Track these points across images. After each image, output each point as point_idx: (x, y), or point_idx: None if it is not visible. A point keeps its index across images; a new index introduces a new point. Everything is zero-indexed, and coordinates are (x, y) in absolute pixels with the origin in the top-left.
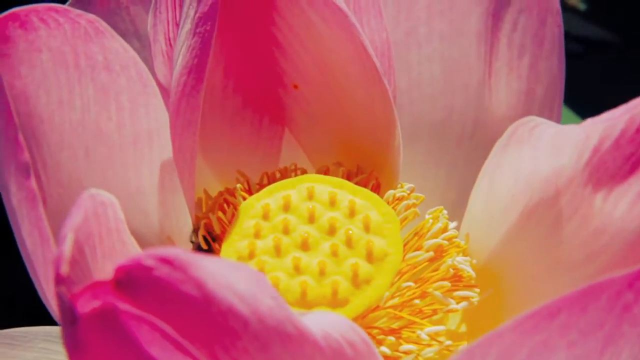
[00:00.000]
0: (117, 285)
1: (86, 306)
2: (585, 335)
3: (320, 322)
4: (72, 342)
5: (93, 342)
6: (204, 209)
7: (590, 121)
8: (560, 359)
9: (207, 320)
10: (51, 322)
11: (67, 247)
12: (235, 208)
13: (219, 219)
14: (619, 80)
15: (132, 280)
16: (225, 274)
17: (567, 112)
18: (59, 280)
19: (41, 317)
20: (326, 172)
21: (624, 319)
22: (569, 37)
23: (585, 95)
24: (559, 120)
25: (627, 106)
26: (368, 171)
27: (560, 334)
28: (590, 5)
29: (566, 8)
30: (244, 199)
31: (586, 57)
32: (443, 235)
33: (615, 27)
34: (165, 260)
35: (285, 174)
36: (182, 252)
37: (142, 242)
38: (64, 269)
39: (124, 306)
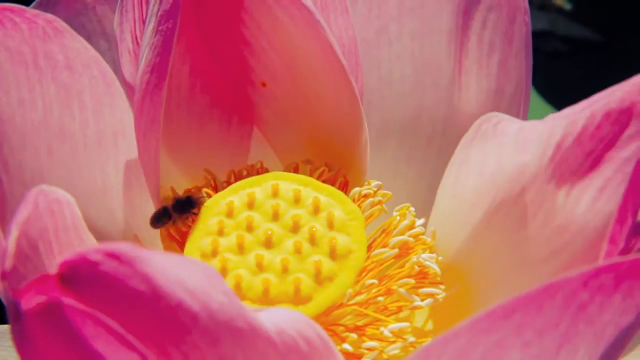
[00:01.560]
0: (62, 280)
1: (31, 301)
2: (541, 334)
3: (274, 318)
4: (19, 338)
5: (39, 337)
6: None
7: (552, 117)
8: (515, 358)
9: (156, 315)
10: None
11: (11, 243)
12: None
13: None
14: (604, 79)
15: (77, 275)
16: (174, 269)
17: (551, 111)
18: (3, 275)
19: None
20: (295, 169)
21: (579, 318)
22: (555, 37)
23: (570, 94)
24: (525, 117)
25: (588, 101)
26: (336, 169)
27: (516, 334)
28: (576, 6)
29: (552, 8)
30: (210, 196)
31: (572, 57)
32: (409, 233)
33: (601, 27)
34: (112, 255)
35: (252, 172)
36: (130, 246)
37: (109, 241)
38: (8, 264)
39: (68, 301)
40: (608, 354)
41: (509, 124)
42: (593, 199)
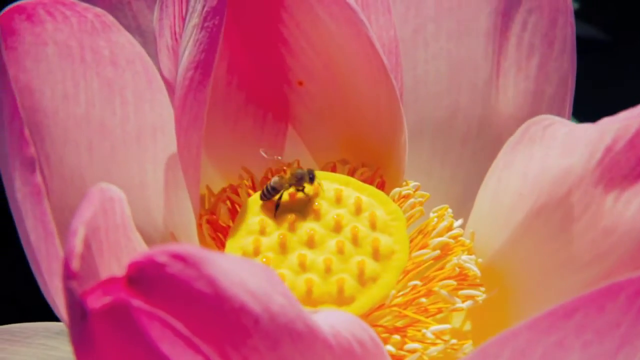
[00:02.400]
0: (130, 282)
1: (97, 302)
2: (601, 335)
3: (330, 320)
4: (79, 338)
5: (102, 338)
6: (206, 206)
7: (605, 120)
8: (574, 359)
9: (219, 317)
10: (51, 318)
11: (78, 242)
12: (240, 204)
13: (229, 209)
14: (610, 79)
15: (144, 277)
16: (237, 271)
17: None
18: (70, 275)
19: (41, 313)
20: (333, 169)
21: None
22: None
23: (576, 93)
24: (568, 119)
25: None
26: (373, 169)
27: (576, 334)
28: (582, 5)
29: None
30: (249, 195)
31: (578, 56)
32: (448, 234)
33: (607, 26)
34: (179, 257)
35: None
36: (195, 248)
37: (145, 238)
38: (75, 264)
39: (136, 302)
40: None
41: (560, 127)
42: None
